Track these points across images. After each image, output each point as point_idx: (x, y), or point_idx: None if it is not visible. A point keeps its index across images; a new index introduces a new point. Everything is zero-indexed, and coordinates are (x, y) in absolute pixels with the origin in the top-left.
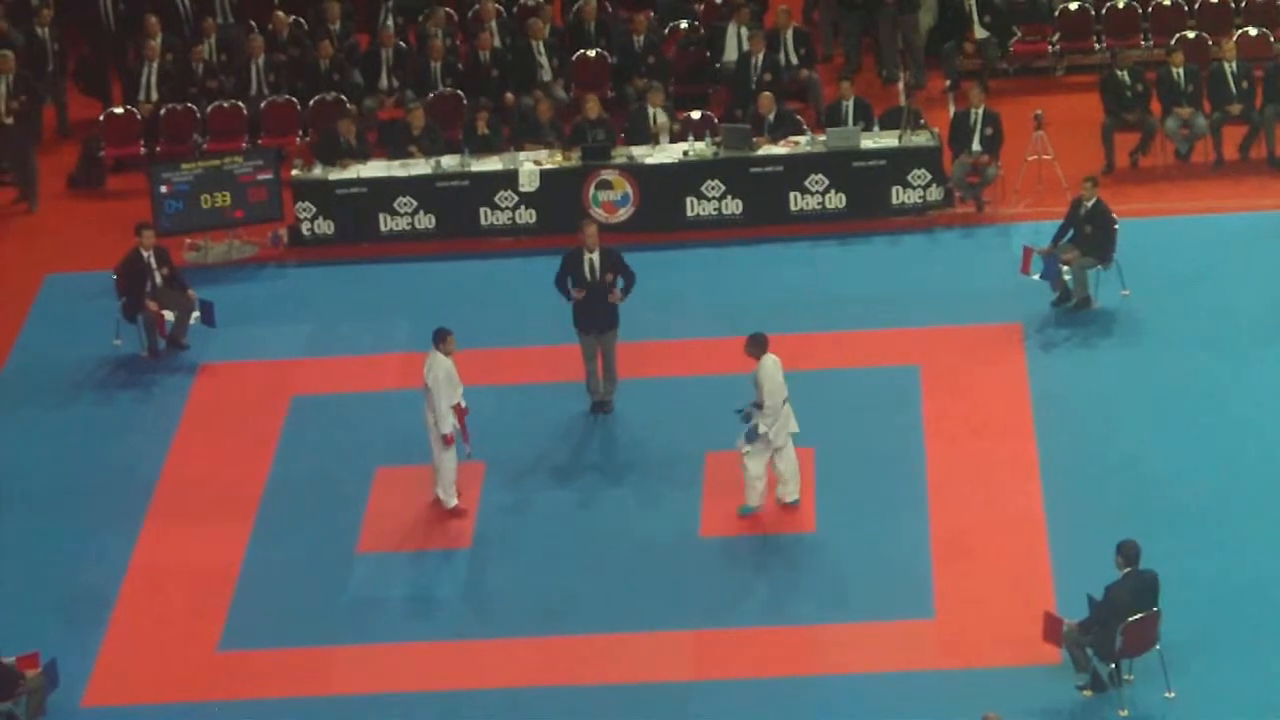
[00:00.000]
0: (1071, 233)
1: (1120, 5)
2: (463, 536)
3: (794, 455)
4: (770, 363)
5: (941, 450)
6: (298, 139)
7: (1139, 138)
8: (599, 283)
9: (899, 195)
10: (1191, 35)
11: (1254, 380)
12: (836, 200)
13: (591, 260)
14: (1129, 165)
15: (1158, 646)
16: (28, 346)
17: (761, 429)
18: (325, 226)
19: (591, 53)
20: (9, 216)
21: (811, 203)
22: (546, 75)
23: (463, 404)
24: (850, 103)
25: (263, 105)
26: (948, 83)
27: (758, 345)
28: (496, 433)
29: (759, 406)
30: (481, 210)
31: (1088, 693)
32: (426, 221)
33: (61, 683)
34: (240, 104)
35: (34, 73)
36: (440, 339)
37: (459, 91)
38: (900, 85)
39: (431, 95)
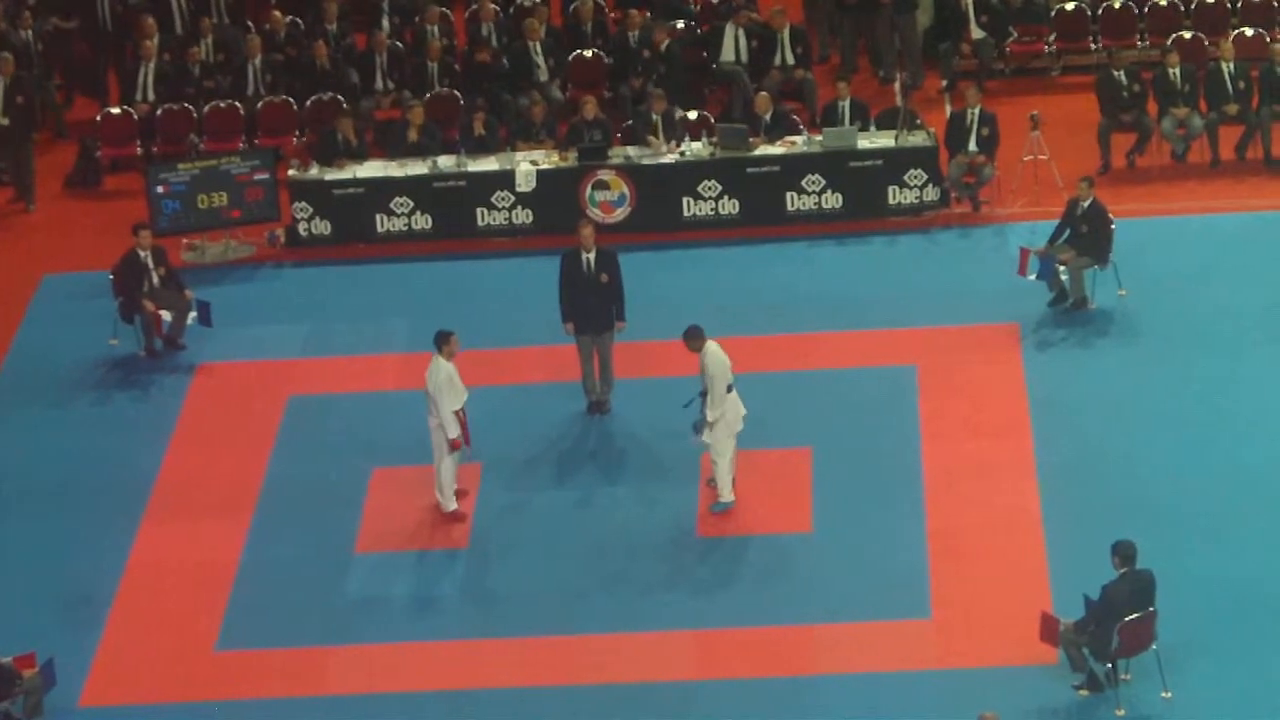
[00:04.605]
0: (1068, 233)
1: (1116, 5)
2: (460, 537)
3: (732, 455)
4: (714, 349)
5: (938, 450)
6: (294, 139)
7: (1135, 138)
8: (594, 280)
9: (895, 195)
10: (1188, 35)
11: (1251, 380)
12: (833, 200)
13: (588, 260)
14: (1125, 165)
15: (1154, 646)
16: (25, 346)
17: (711, 417)
18: (322, 227)
19: (588, 53)
20: (6, 216)
21: (808, 203)
22: (543, 76)
23: (462, 410)
24: (847, 103)
25: (259, 105)
26: (944, 83)
27: (696, 338)
28: (494, 433)
29: (703, 395)
30: (478, 210)
31: (1084, 692)
32: (423, 222)
33: (59, 682)
34: (237, 104)
35: (28, 75)
36: (442, 342)
37: (455, 92)
38: (897, 86)
39: (429, 95)
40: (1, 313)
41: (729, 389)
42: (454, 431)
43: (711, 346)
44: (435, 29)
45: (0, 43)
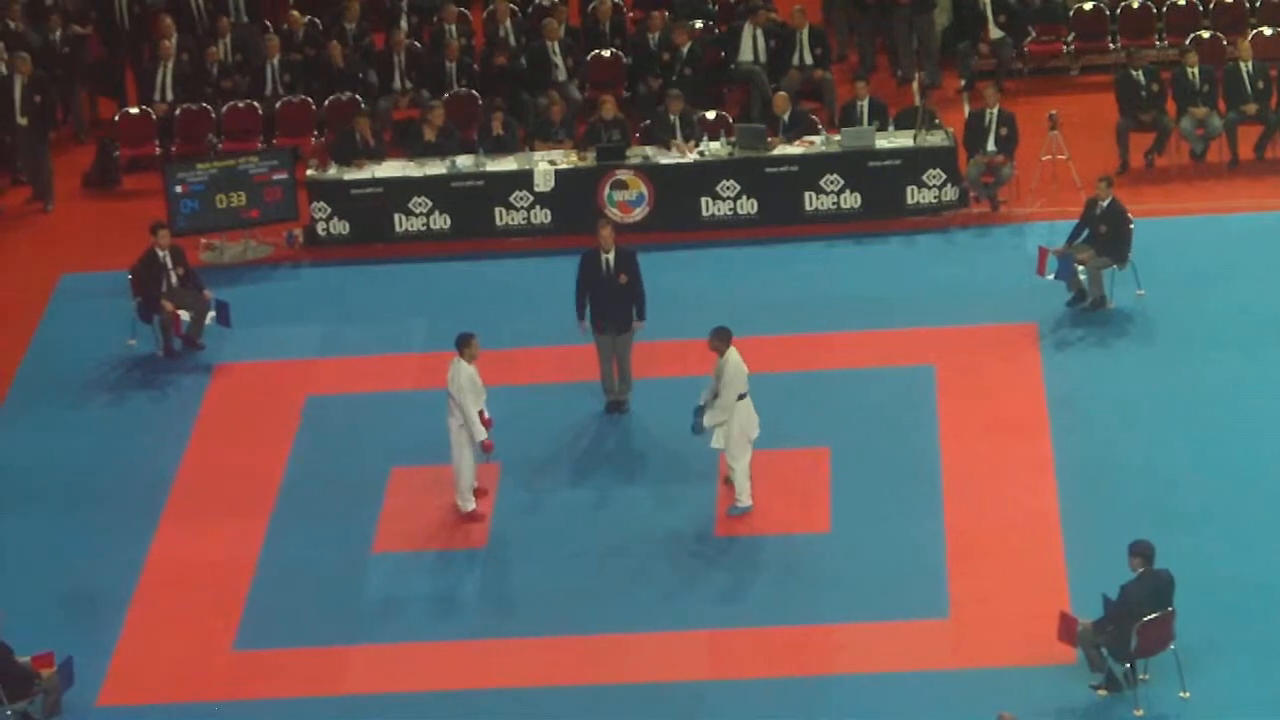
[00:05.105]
0: (1086, 233)
1: (1135, 5)
2: (478, 536)
3: (748, 459)
4: (735, 356)
5: (956, 450)
6: (313, 139)
7: (1154, 138)
8: (612, 280)
9: (914, 195)
10: (1206, 35)
11: (1269, 379)
12: (851, 200)
13: (607, 260)
14: (1144, 165)
15: (1173, 646)
16: (43, 346)
17: (709, 422)
18: (340, 226)
19: (606, 53)
20: (24, 216)
21: (826, 203)
22: (561, 75)
23: (485, 413)
24: (865, 103)
25: (278, 105)
26: (963, 83)
27: (722, 339)
28: (512, 433)
29: (716, 397)
30: (496, 210)
31: (1103, 692)
32: (441, 222)
33: (77, 682)
34: (255, 104)
35: (47, 75)
36: (463, 344)
37: (474, 91)
38: (915, 85)
39: (447, 95)
40: (20, 312)
41: (740, 397)
42: (482, 434)
43: (733, 353)
44: (454, 28)
45: (18, 43)
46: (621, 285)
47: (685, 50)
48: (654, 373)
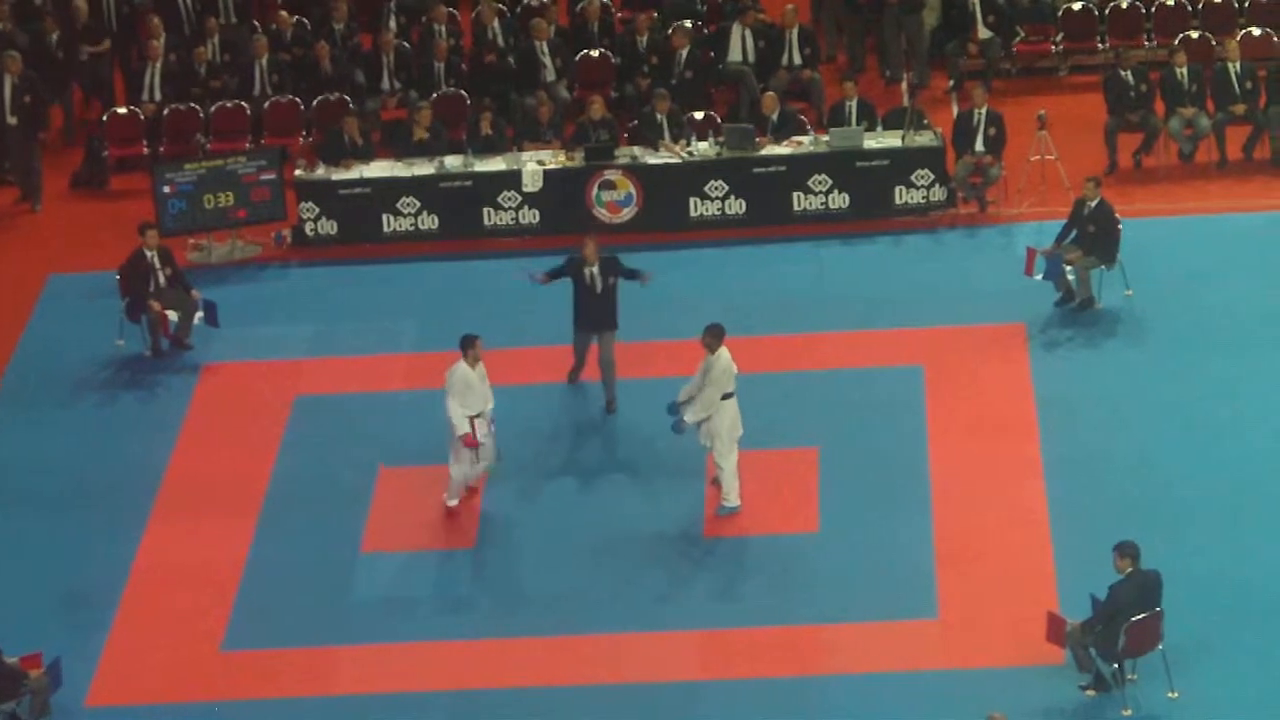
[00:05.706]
0: (1074, 233)
1: (1124, 5)
2: (466, 536)
3: (735, 459)
4: (726, 356)
5: (945, 450)
6: (301, 139)
7: (1142, 138)
8: (602, 288)
9: (902, 195)
10: (1195, 35)
11: (1257, 380)
12: (840, 200)
13: (591, 272)
14: (1132, 165)
15: (1161, 646)
16: (31, 346)
17: (690, 418)
18: (328, 227)
19: (595, 53)
20: (12, 216)
21: (815, 203)
22: (550, 75)
23: (481, 416)
24: (854, 103)
25: (266, 105)
26: (951, 83)
27: (715, 336)
28: (501, 433)
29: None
30: (485, 210)
31: (1091, 693)
32: (430, 222)
33: (65, 682)
34: (243, 104)
35: (39, 75)
36: (465, 345)
37: (462, 91)
38: (903, 85)
39: (435, 95)
40: (8, 313)
41: (725, 397)
42: (460, 430)
43: (723, 352)
44: (442, 29)
45: (7, 42)
46: (601, 293)
47: (684, 53)
48: (642, 373)
